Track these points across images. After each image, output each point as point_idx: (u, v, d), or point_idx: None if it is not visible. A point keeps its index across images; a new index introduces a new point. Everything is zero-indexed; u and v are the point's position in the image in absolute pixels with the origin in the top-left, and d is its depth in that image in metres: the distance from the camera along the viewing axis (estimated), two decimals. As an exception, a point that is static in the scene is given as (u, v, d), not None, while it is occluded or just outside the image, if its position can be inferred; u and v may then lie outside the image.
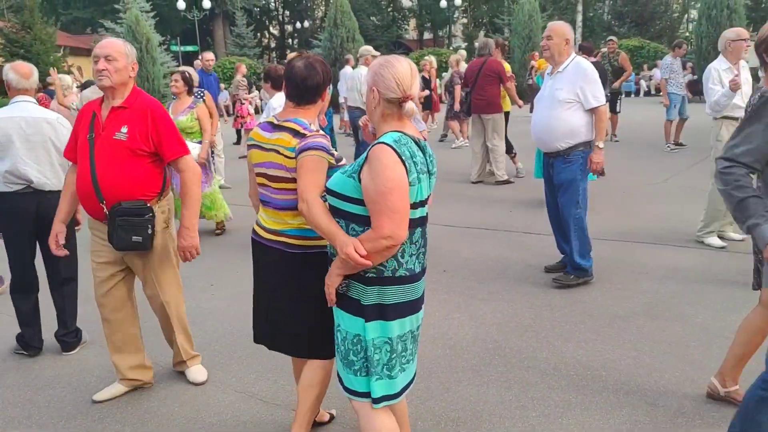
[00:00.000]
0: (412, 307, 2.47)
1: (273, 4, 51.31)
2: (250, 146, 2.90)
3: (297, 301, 2.83)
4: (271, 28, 52.84)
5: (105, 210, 3.37)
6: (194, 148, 6.72)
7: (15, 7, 27.20)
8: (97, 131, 3.42)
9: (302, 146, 2.65)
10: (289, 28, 52.64)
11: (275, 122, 2.83)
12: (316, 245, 2.75)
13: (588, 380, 3.65)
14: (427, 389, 3.60)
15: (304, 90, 2.80)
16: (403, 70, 2.39)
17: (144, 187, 3.44)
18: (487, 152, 9.43)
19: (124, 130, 3.39)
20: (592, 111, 4.90)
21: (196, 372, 3.90)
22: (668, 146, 11.29)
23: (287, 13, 52.03)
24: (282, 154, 2.72)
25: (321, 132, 2.76)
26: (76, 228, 4.40)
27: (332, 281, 2.44)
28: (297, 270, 2.80)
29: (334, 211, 2.43)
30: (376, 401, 2.46)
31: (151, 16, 22.28)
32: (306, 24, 44.79)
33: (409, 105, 2.41)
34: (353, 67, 15.06)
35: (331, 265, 2.46)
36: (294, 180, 2.66)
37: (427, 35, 49.76)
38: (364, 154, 2.36)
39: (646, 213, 7.20)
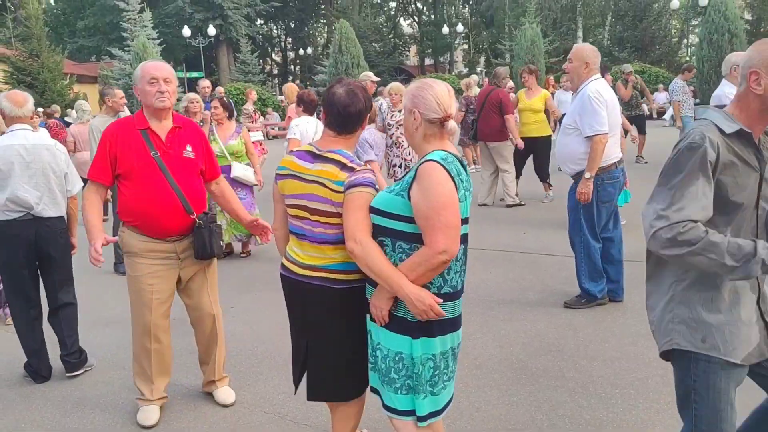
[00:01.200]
0: (454, 324, 2.51)
1: (275, 32, 51.96)
2: (282, 176, 2.73)
3: (340, 338, 2.68)
4: (273, 55, 53.45)
5: (197, 221, 3.54)
6: (247, 170, 6.93)
7: (22, 35, 27.52)
8: (161, 150, 3.49)
9: (352, 181, 2.52)
10: (291, 54, 53.27)
11: (315, 152, 2.66)
12: (359, 278, 2.61)
13: (617, 398, 3.65)
14: (458, 409, 3.60)
15: (345, 118, 2.65)
16: (441, 91, 2.46)
17: (205, 200, 3.74)
18: (497, 178, 9.50)
19: (189, 148, 3.57)
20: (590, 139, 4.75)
21: (226, 393, 3.91)
22: None
23: (289, 40, 52.69)
24: (327, 188, 2.56)
25: (368, 166, 2.65)
26: (72, 252, 4.44)
27: (383, 303, 2.44)
28: (341, 306, 2.65)
29: (380, 230, 2.46)
30: (422, 419, 2.46)
31: (157, 44, 22.51)
32: (309, 51, 45.28)
33: (452, 124, 2.47)
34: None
35: (378, 287, 2.45)
36: (340, 214, 2.55)
37: (428, 61, 50.33)
38: (412, 173, 2.41)
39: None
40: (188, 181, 3.56)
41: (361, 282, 2.59)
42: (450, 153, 2.43)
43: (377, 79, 12.10)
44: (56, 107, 16.98)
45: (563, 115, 7.61)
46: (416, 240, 2.36)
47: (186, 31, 29.27)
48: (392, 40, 47.77)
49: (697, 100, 21.18)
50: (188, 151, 3.59)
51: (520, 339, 4.54)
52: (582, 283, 5.10)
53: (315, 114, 6.83)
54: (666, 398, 3.61)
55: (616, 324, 4.73)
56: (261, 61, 43.31)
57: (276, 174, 2.78)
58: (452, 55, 46.78)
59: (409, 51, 52.24)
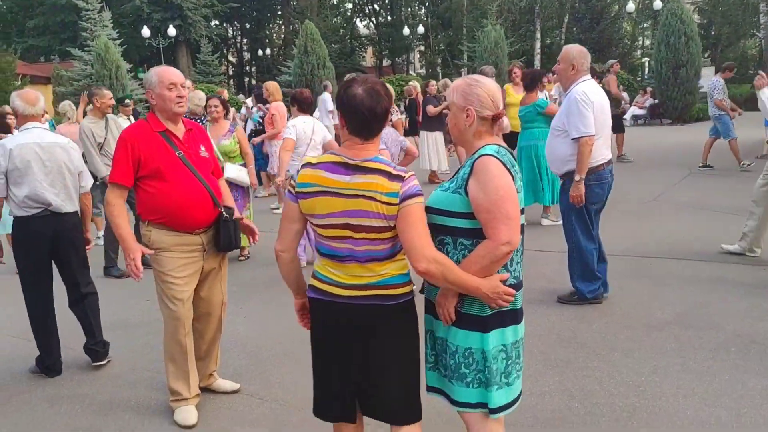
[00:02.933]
0: (520, 315, 2.58)
1: (231, 33, 51.36)
2: (309, 194, 2.40)
3: (402, 356, 2.52)
4: (230, 56, 52.80)
5: (223, 213, 3.68)
6: (241, 170, 6.83)
7: (-28, 35, 26.63)
8: (183, 149, 3.63)
9: (408, 192, 2.32)
10: (247, 55, 52.73)
11: (349, 162, 2.37)
12: (410, 291, 2.50)
13: (645, 386, 3.79)
14: (495, 400, 3.68)
15: (372, 121, 2.36)
16: (494, 88, 2.51)
17: (228, 195, 3.92)
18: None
19: (203, 149, 3.74)
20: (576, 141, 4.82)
21: (227, 383, 4.06)
22: (744, 163, 11.19)
23: (245, 41, 52.14)
24: (378, 201, 2.31)
25: (411, 172, 2.42)
26: (87, 248, 4.55)
27: (450, 301, 2.46)
28: (398, 322, 2.48)
29: (440, 229, 2.47)
30: (494, 411, 2.50)
31: (118, 44, 22.05)
32: (267, 52, 44.91)
33: (506, 120, 2.54)
34: (331, 93, 15.29)
35: (443, 287, 2.45)
36: (391, 229, 2.36)
37: (385, 62, 50.48)
38: (467, 168, 2.46)
39: (647, 229, 7.47)
40: (209, 177, 3.74)
41: (411, 294, 2.51)
42: (501, 146, 2.49)
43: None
44: (7, 107, 16.44)
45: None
46: (477, 235, 2.40)
47: (146, 32, 28.74)
48: (350, 41, 47.76)
49: (656, 100, 21.87)
50: (203, 151, 3.77)
51: (537, 332, 4.65)
52: (574, 282, 5.23)
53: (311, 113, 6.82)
54: (690, 385, 3.77)
55: (626, 316, 4.89)
56: (219, 61, 42.77)
57: (297, 192, 2.43)
58: (410, 56, 47.04)
59: (365, 52, 52.30)
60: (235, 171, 6.80)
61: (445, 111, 10.82)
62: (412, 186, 2.33)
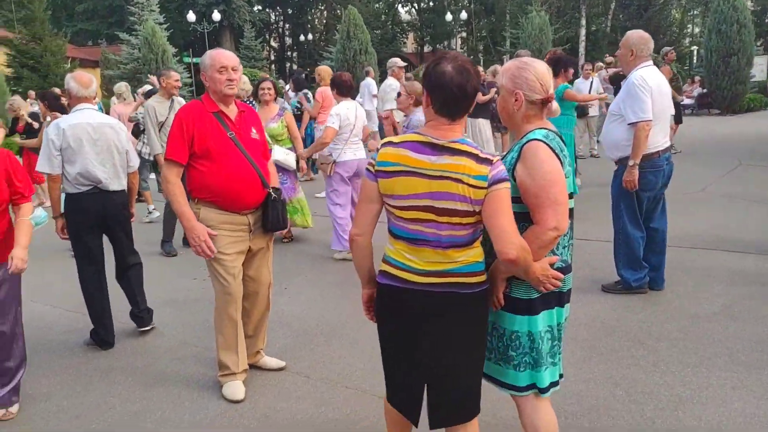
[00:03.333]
0: (566, 297, 2.58)
1: (273, 18, 51.66)
2: (390, 173, 2.32)
3: (472, 348, 2.44)
4: (272, 41, 53.14)
5: (271, 194, 3.77)
6: (288, 154, 6.90)
7: (25, 18, 27.22)
8: (235, 130, 3.70)
9: (497, 176, 2.24)
10: (288, 41, 52.99)
11: (435, 142, 2.28)
12: (485, 280, 2.42)
13: (691, 377, 3.76)
14: (538, 385, 3.70)
15: (461, 100, 2.27)
16: (543, 71, 2.48)
17: (276, 177, 3.99)
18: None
19: (254, 130, 3.81)
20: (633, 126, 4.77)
21: (273, 360, 4.16)
22: None
23: (287, 26, 52.40)
24: (465, 183, 2.22)
25: (498, 155, 2.35)
26: (132, 220, 4.77)
27: (499, 287, 2.46)
28: (472, 311, 2.40)
29: None
30: (544, 390, 2.54)
31: (164, 28, 22.38)
32: (309, 37, 45.07)
33: (555, 105, 2.53)
34: (374, 79, 15.33)
35: (491, 271, 2.45)
36: (476, 213, 2.27)
37: (426, 48, 50.21)
38: (514, 153, 2.47)
39: (694, 220, 7.34)
40: (259, 158, 3.82)
41: (486, 283, 2.41)
42: (550, 131, 2.48)
43: (404, 64, 12.16)
44: (57, 90, 16.86)
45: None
46: (525, 219, 2.41)
47: (191, 16, 29.11)
48: (391, 27, 47.61)
49: (704, 90, 21.31)
50: (254, 133, 3.84)
51: (581, 320, 4.64)
52: (619, 270, 5.19)
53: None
54: (738, 376, 3.72)
55: (671, 306, 4.84)
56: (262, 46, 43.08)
57: (376, 170, 2.35)
58: (451, 43, 46.71)
59: (406, 38, 52.07)
60: (282, 154, 6.84)
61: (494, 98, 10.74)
62: (501, 170, 2.25)
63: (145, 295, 4.86)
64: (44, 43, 26.68)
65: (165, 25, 23.59)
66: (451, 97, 2.26)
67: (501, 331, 2.55)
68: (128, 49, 23.70)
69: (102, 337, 4.58)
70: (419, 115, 5.80)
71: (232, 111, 3.76)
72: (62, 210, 4.53)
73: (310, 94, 11.46)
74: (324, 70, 10.28)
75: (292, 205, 6.99)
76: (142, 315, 4.82)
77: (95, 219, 4.48)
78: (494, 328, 2.57)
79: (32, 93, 13.70)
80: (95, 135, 4.43)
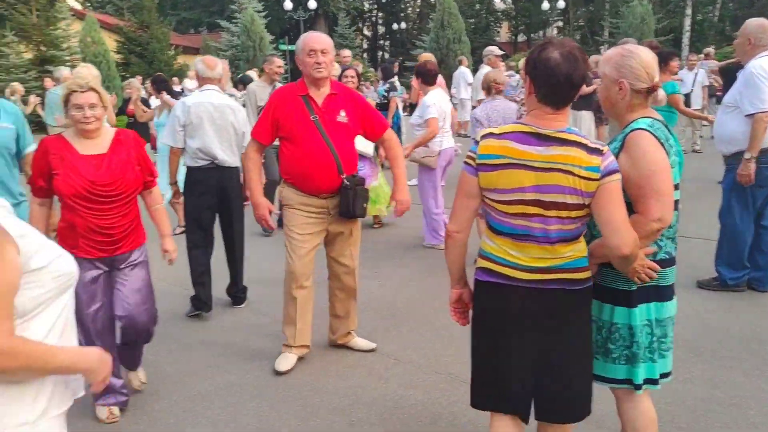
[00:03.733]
0: (669, 292, 2.50)
1: (367, 6, 52.00)
2: (493, 166, 2.21)
3: (581, 345, 2.36)
4: (365, 30, 53.54)
5: (345, 181, 3.74)
6: (369, 142, 6.92)
7: (134, 7, 28.66)
8: (319, 114, 3.75)
9: (609, 167, 2.16)
10: (381, 29, 53.21)
11: (542, 132, 2.19)
12: (590, 276, 2.34)
13: (799, 383, 3.58)
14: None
15: (567, 88, 2.17)
16: (649, 59, 2.39)
17: (356, 163, 4.01)
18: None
19: (343, 114, 3.81)
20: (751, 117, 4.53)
21: (364, 341, 4.23)
22: None
23: (380, 14, 52.61)
24: (576, 175, 2.13)
25: (606, 145, 2.26)
26: (244, 203, 4.96)
27: (593, 271, 2.39)
28: (580, 308, 2.33)
29: None
30: (638, 386, 2.47)
31: (262, 16, 22.99)
32: (402, 25, 45.11)
33: (661, 93, 2.44)
34: (467, 67, 15.23)
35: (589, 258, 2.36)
36: (583, 206, 2.18)
37: (520, 38, 49.27)
38: (617, 143, 2.40)
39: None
40: (342, 143, 3.81)
41: (591, 279, 2.34)
42: (655, 119, 2.40)
43: (501, 52, 12.00)
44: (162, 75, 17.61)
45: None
46: (628, 210, 2.32)
47: (287, 4, 29.75)
48: (485, 16, 46.97)
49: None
50: (342, 116, 3.82)
51: (680, 318, 4.41)
52: (717, 266, 4.98)
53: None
54: None
55: (778, 309, 4.60)
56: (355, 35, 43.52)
57: (478, 164, 2.24)
58: (546, 33, 45.63)
59: (500, 27, 51.25)
60: (362, 142, 6.87)
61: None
62: (612, 161, 2.17)
63: (243, 274, 5.09)
64: (151, 31, 28.04)
65: (263, 13, 24.23)
66: (556, 85, 2.16)
67: (600, 324, 2.50)
68: (228, 36, 24.51)
69: (201, 299, 4.84)
70: (478, 111, 5.70)
71: (321, 94, 3.80)
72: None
73: (397, 83, 11.52)
74: (426, 58, 10.27)
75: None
76: (238, 294, 5.07)
77: (211, 192, 4.76)
78: (593, 320, 2.51)
79: (140, 78, 14.43)
80: (216, 113, 4.70)
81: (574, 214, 2.19)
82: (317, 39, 3.79)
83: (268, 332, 4.55)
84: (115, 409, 3.46)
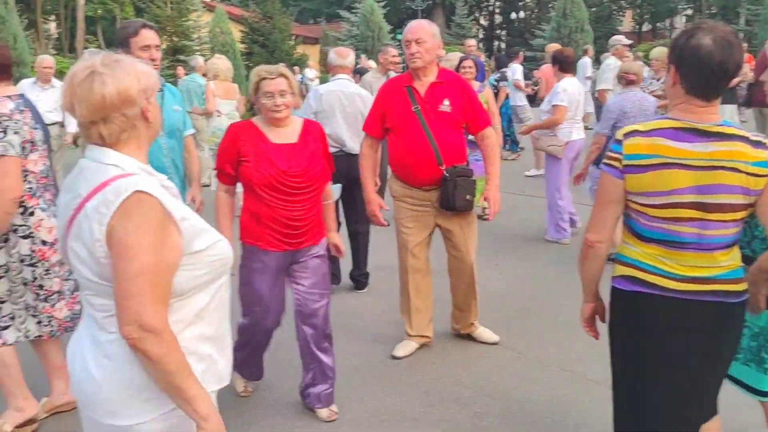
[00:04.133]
0: None
1: (484, -6, 51.27)
2: (645, 167, 2.01)
3: (728, 361, 2.20)
4: (481, 19, 52.89)
5: (444, 173, 3.67)
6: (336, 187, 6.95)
7: (258, -2, 29.66)
8: (421, 104, 3.71)
9: None
10: (498, 18, 52.34)
11: (699, 127, 1.99)
12: (747, 288, 2.13)
13: None
14: None
15: (721, 78, 1.98)
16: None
17: (463, 153, 3.90)
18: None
19: (447, 103, 3.74)
20: None
21: (488, 332, 4.19)
22: None
23: (498, 3, 51.75)
24: (744, 172, 1.96)
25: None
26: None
27: (762, 288, 2.17)
28: (736, 323, 2.13)
29: (735, 207, 2.10)
30: None
31: (381, 6, 23.22)
32: (521, 14, 44.21)
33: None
34: (591, 58, 14.70)
35: (753, 270, 2.14)
36: (747, 206, 2.02)
37: (644, 27, 47.06)
38: None
39: None
40: (444, 133, 3.73)
41: (747, 291, 2.12)
42: None
43: (629, 42, 11.51)
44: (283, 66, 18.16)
45: None
46: None
47: (406, -7, 29.96)
48: (608, 4, 45.16)
49: None
50: (445, 105, 3.74)
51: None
52: None
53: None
54: None
55: None
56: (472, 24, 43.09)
57: (624, 165, 2.04)
58: (674, 21, 43.28)
59: (623, 16, 49.11)
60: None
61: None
62: None
63: (367, 260, 5.21)
64: (274, 21, 28.93)
65: (382, 3, 24.44)
66: (708, 75, 1.96)
67: (754, 330, 2.35)
68: (347, 26, 24.94)
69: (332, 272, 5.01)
70: (631, 95, 5.31)
71: (424, 84, 3.75)
72: None
73: (508, 72, 11.36)
74: (554, 48, 10.04)
75: None
76: (361, 279, 5.21)
77: (340, 178, 4.82)
78: (745, 326, 2.32)
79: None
80: (346, 102, 4.85)
81: (737, 215, 2.01)
82: (410, 29, 3.77)
83: (389, 319, 4.60)
84: (250, 384, 3.61)
